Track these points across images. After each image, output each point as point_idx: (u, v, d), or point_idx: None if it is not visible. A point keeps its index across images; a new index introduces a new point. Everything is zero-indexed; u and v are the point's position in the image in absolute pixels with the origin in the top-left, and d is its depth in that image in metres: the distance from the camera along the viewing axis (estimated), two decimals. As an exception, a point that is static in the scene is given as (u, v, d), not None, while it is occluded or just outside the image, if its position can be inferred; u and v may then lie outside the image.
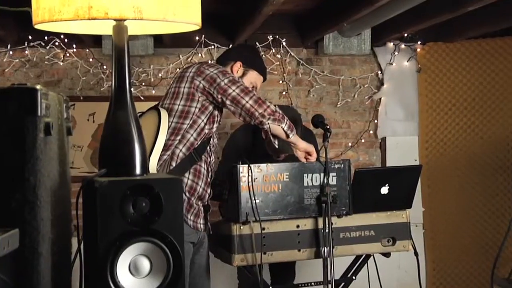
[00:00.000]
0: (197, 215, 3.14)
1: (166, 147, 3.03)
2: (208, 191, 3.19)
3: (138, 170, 1.82)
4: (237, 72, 3.29)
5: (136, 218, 1.73)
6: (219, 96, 3.03)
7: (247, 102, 2.99)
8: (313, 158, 3.22)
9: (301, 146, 3.20)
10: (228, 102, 3.02)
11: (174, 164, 3.04)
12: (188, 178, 3.08)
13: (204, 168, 3.15)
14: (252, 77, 3.34)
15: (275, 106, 3.09)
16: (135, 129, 1.83)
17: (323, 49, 4.94)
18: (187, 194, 3.08)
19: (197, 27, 1.86)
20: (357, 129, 5.31)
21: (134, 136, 1.82)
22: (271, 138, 3.09)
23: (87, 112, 4.98)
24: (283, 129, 3.05)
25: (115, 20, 1.76)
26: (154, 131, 2.99)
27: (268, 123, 3.01)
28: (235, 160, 3.09)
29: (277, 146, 3.14)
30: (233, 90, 3.01)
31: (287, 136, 3.09)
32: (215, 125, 3.14)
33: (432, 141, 5.27)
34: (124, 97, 1.83)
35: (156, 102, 3.29)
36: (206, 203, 3.20)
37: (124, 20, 1.77)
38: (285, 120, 3.06)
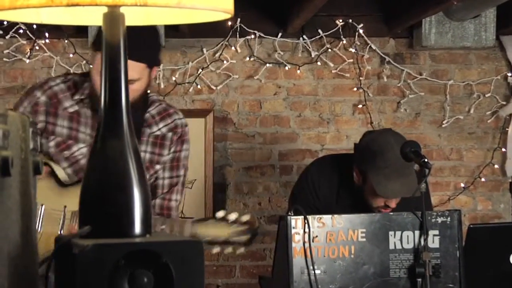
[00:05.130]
0: None
1: None
2: None
3: (137, 229, 1.85)
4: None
5: (135, 301, 1.75)
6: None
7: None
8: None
9: None
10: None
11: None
12: None
13: None
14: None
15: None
16: (135, 166, 1.85)
17: (420, 39, 4.95)
18: None
19: (228, 15, 1.90)
20: (473, 162, 5.28)
21: (132, 177, 1.85)
22: None
23: (65, 133, 5.06)
24: None
25: (106, 6, 1.80)
26: None
27: None
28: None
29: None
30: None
31: None
32: None
33: None
34: (119, 118, 1.85)
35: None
36: None
37: (120, 6, 1.81)
38: None
